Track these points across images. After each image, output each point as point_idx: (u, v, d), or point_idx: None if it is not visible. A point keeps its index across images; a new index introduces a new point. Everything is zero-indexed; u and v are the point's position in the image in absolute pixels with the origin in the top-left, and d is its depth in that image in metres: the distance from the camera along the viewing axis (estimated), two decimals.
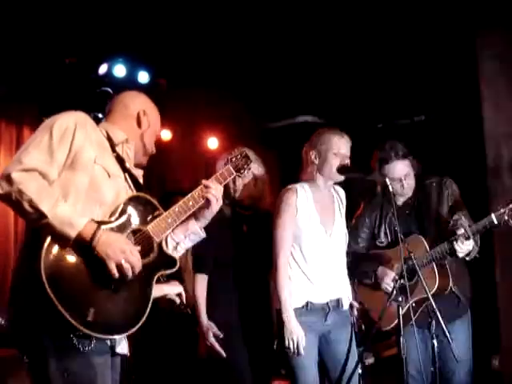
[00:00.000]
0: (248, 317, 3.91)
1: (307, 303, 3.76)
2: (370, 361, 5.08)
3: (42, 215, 2.31)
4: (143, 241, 2.55)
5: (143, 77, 6.35)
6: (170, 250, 2.78)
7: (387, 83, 6.28)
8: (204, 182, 2.81)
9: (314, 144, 3.88)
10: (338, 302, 3.83)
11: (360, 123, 6.12)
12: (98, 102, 5.64)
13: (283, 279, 3.73)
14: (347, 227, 4.04)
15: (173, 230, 2.79)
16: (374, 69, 6.10)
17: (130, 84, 6.18)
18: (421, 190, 4.10)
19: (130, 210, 2.58)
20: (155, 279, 2.59)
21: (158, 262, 2.60)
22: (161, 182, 7.18)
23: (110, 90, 5.98)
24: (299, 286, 3.76)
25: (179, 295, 3.15)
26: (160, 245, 2.63)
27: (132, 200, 2.61)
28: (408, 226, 4.01)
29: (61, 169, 2.47)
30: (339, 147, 3.81)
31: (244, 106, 6.61)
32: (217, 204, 2.81)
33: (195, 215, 2.85)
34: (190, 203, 2.74)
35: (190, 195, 2.75)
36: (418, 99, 6.36)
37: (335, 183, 3.95)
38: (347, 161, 3.83)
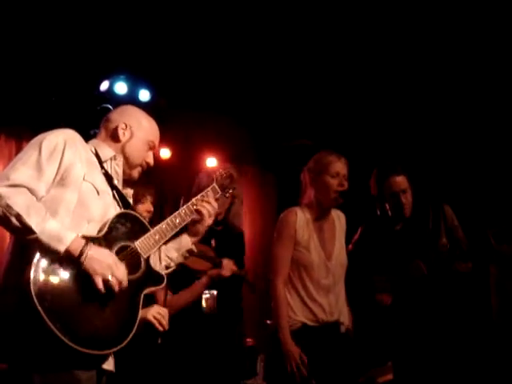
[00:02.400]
0: (216, 329, 3.93)
1: (304, 326, 3.74)
2: (387, 377, 4.97)
3: (30, 230, 2.31)
4: (131, 257, 2.57)
5: (144, 95, 6.38)
6: (163, 267, 2.82)
7: (383, 109, 6.31)
8: (203, 194, 2.89)
9: (312, 168, 3.89)
10: (336, 325, 3.81)
11: (358, 147, 6.11)
12: (98, 118, 5.65)
13: (280, 299, 3.72)
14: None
15: (167, 247, 2.85)
16: (372, 94, 6.13)
17: (130, 102, 6.20)
18: (418, 215, 4.09)
19: (118, 226, 2.58)
20: (143, 296, 2.60)
21: (145, 278, 2.61)
22: (159, 199, 7.18)
23: (110, 107, 5.99)
24: (296, 308, 3.75)
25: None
26: (147, 261, 2.64)
27: (120, 217, 2.62)
28: (406, 251, 4.00)
29: (49, 186, 2.47)
30: (336, 169, 3.82)
31: (243, 127, 6.62)
32: (209, 218, 2.88)
33: (188, 231, 2.90)
34: (177, 221, 2.79)
35: (176, 213, 2.81)
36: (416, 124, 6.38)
37: (336, 206, 3.95)
38: (345, 183, 3.83)
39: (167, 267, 2.87)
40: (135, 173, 2.86)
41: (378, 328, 4.11)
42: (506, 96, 5.66)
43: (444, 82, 5.79)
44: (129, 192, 2.88)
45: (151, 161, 2.89)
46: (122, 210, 2.67)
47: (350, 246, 4.16)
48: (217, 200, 2.98)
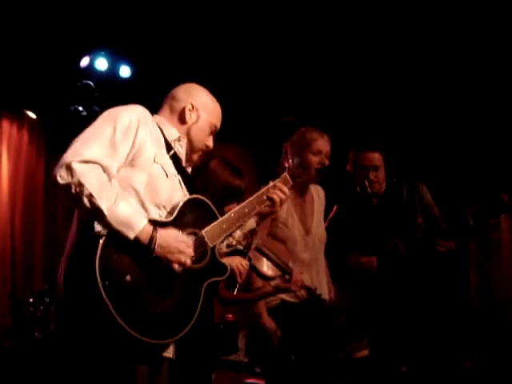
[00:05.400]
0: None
1: (282, 302, 3.77)
2: (363, 353, 5.02)
3: (101, 213, 2.24)
4: (198, 245, 2.50)
5: (125, 71, 6.34)
6: (224, 245, 2.78)
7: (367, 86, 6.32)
8: (276, 183, 2.82)
9: (295, 142, 3.89)
10: (315, 300, 3.85)
11: (340, 125, 6.13)
12: (79, 94, 5.62)
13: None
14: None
15: None
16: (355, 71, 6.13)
17: (111, 78, 6.17)
18: (393, 191, 4.10)
19: (188, 212, 2.52)
20: (205, 287, 2.52)
21: (209, 268, 2.55)
22: None
23: (91, 83, 5.96)
24: None
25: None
26: (213, 251, 2.57)
27: (190, 202, 2.55)
28: (382, 227, 4.02)
29: (121, 165, 2.39)
30: (318, 147, 3.83)
31: (223, 104, 6.60)
32: (280, 206, 2.81)
33: None
34: (246, 210, 2.70)
35: (246, 202, 2.73)
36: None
37: (316, 182, 3.97)
38: (326, 161, 3.85)
39: (228, 246, 2.82)
40: (195, 156, 2.80)
41: (355, 304, 4.14)
42: (483, 72, 5.69)
43: (422, 61, 5.80)
44: (188, 171, 2.79)
45: (211, 144, 2.82)
46: (193, 196, 2.60)
47: (326, 224, 4.16)
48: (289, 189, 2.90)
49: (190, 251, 2.42)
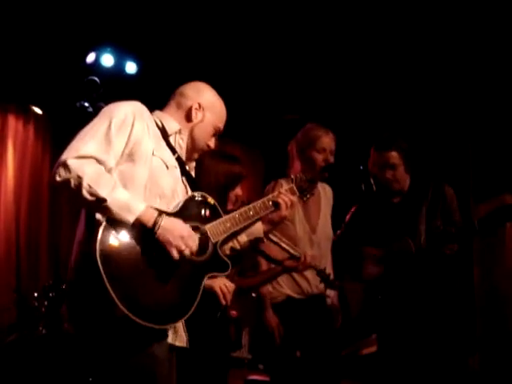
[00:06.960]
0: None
1: (288, 298, 3.78)
2: (371, 350, 5.01)
3: (101, 200, 2.29)
4: (200, 239, 2.53)
5: (131, 67, 6.35)
6: (228, 247, 2.81)
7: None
8: (281, 190, 2.87)
9: (299, 140, 3.90)
10: (321, 297, 3.86)
11: (345, 121, 6.11)
12: (85, 90, 5.62)
13: (263, 271, 3.75)
14: (342, 225, 4.08)
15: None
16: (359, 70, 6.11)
17: (117, 74, 6.18)
18: (417, 192, 4.05)
19: (191, 206, 2.59)
20: (205, 280, 2.55)
21: (210, 262, 2.59)
22: None
23: (97, 79, 5.96)
24: (281, 280, 3.78)
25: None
26: (215, 246, 2.61)
27: (194, 198, 2.62)
28: (399, 225, 3.98)
29: (118, 159, 2.45)
30: (323, 145, 3.83)
31: (229, 103, 6.59)
32: (286, 210, 2.84)
33: (263, 219, 2.87)
34: (251, 213, 2.76)
35: (251, 205, 2.78)
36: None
37: (321, 180, 3.96)
38: (331, 158, 3.85)
39: (233, 249, 2.85)
40: (196, 155, 2.83)
41: (363, 301, 4.14)
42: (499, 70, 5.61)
43: (439, 52, 5.73)
44: (191, 165, 2.84)
45: (213, 145, 2.84)
46: (197, 192, 2.66)
47: (347, 217, 4.13)
48: None
49: (192, 242, 2.44)
